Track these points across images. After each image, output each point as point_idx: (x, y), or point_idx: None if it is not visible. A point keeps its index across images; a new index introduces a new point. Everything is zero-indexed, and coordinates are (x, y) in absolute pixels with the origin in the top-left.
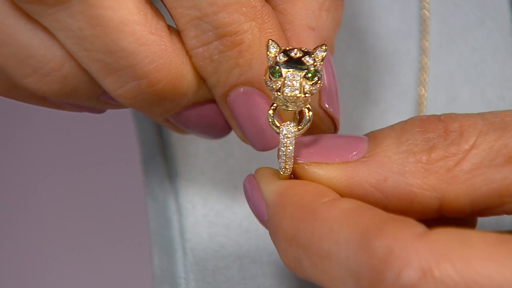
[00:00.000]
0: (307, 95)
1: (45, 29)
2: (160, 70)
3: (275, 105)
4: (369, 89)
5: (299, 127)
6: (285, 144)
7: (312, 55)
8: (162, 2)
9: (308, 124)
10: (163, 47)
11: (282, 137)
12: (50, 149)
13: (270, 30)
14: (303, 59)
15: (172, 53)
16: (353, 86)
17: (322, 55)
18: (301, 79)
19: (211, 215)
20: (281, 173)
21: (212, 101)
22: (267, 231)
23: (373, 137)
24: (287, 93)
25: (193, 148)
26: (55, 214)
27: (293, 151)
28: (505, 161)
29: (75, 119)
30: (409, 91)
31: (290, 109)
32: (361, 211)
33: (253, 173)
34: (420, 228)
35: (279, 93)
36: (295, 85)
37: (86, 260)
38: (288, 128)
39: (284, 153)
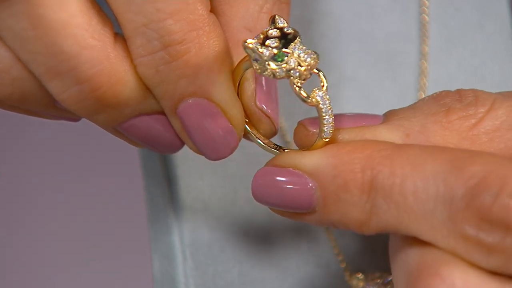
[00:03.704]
0: (315, 54)
1: None
2: (100, 76)
3: (298, 81)
4: (368, 93)
5: (323, 90)
6: (328, 107)
7: (280, 27)
8: (110, 7)
9: (326, 84)
10: (104, 53)
11: (323, 101)
12: (49, 155)
13: (216, 39)
14: (285, 31)
15: (114, 60)
16: (352, 90)
17: (284, 20)
18: (302, 46)
19: (211, 219)
20: (324, 138)
21: (161, 113)
22: (267, 236)
23: (388, 112)
24: (311, 62)
25: (193, 153)
26: (55, 219)
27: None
28: None
29: (75, 123)
30: (409, 95)
31: (308, 77)
32: (439, 147)
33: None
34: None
35: (301, 67)
36: (309, 52)
37: (86, 265)
38: (323, 91)
39: (330, 114)
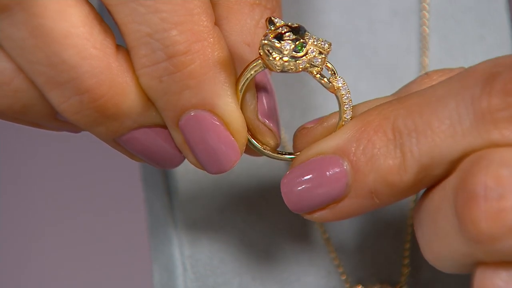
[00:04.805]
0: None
1: None
2: (100, 86)
3: (319, 69)
4: None
5: (341, 77)
6: (348, 92)
7: (284, 23)
8: (113, 18)
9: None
10: (105, 63)
11: (343, 87)
12: (50, 166)
13: (220, 51)
14: (291, 25)
15: (115, 70)
16: (353, 101)
17: (280, 19)
18: (313, 36)
19: (211, 231)
20: (344, 123)
21: (162, 126)
22: (267, 247)
23: None
24: (328, 47)
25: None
26: (54, 231)
27: None
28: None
29: (77, 135)
30: None
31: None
32: (441, 81)
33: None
34: None
35: (322, 55)
36: (321, 40)
37: (86, 276)
38: (341, 78)
39: (349, 99)
